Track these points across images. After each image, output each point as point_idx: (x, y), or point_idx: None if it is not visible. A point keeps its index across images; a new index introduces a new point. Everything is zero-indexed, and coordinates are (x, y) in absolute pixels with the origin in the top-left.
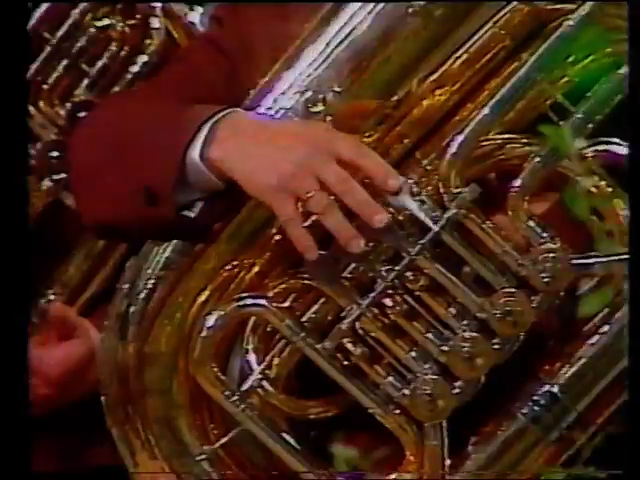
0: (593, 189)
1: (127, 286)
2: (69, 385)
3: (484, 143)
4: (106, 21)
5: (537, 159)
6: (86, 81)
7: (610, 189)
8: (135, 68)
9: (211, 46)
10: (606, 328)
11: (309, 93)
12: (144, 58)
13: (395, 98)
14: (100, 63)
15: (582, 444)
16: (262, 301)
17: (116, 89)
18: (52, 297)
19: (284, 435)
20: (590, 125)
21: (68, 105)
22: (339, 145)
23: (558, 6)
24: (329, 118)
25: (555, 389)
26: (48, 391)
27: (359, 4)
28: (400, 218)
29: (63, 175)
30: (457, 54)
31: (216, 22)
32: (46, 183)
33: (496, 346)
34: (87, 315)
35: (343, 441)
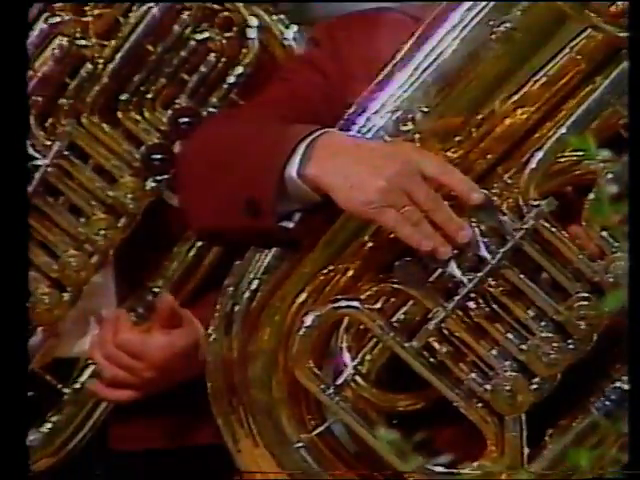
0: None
1: (232, 287)
2: (172, 370)
3: (561, 159)
4: (205, 34)
5: (610, 175)
6: (187, 90)
7: None
8: (231, 79)
9: (309, 67)
10: None
11: (399, 113)
12: (240, 69)
13: (479, 117)
14: (199, 73)
15: None
16: (355, 303)
17: (214, 97)
18: (156, 290)
19: (376, 426)
20: None
21: (170, 112)
22: (425, 164)
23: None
24: (417, 136)
25: (625, 385)
26: (151, 374)
27: (447, 31)
28: (482, 228)
29: (166, 176)
30: (536, 77)
31: (314, 43)
32: (150, 184)
33: (571, 346)
34: (188, 307)
35: (386, 425)
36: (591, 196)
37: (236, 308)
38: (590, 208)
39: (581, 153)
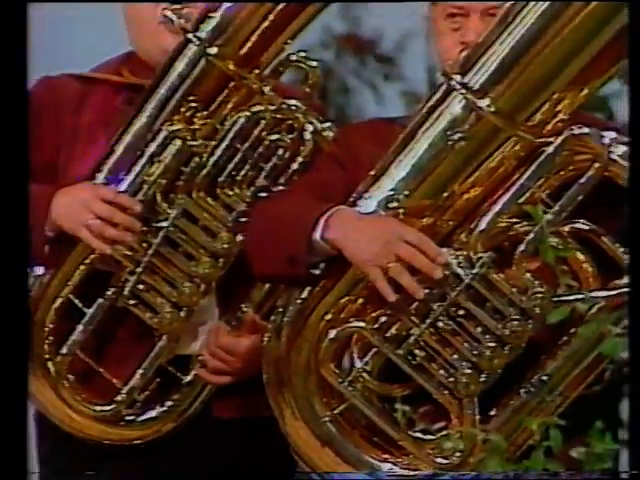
0: (558, 245)
1: (282, 309)
2: (252, 363)
3: (499, 225)
4: (276, 136)
5: (532, 235)
6: (263, 173)
7: (570, 245)
8: (294, 166)
9: (332, 161)
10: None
11: (389, 195)
12: (300, 159)
13: (445, 195)
14: (272, 162)
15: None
16: (361, 324)
17: (282, 179)
18: (245, 309)
19: (378, 407)
20: (563, 213)
21: (252, 189)
22: (406, 234)
23: (543, 140)
24: (401, 211)
25: (544, 377)
26: (241, 365)
27: (419, 138)
28: (446, 273)
29: None
30: (482, 167)
31: (335, 143)
32: (239, 237)
33: (507, 351)
34: (266, 320)
35: (401, 401)
36: (522, 248)
37: (284, 322)
38: (540, 252)
39: (515, 220)
